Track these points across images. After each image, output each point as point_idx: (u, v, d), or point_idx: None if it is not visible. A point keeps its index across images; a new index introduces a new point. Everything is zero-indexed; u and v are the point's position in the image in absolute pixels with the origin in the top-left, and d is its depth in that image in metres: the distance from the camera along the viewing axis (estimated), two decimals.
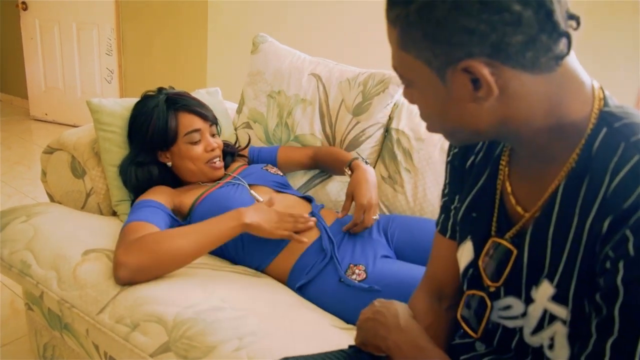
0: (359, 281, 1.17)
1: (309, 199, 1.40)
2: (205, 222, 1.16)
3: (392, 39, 0.64)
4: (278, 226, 1.20)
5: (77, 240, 1.19)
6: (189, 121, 1.35)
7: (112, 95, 3.88)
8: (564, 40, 0.57)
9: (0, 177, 3.01)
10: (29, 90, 4.12)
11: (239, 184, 1.38)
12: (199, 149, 1.36)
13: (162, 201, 1.27)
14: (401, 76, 0.66)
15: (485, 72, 0.56)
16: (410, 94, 0.68)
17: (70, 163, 1.47)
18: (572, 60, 0.60)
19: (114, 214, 1.46)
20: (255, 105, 1.69)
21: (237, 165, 1.51)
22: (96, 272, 1.10)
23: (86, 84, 3.98)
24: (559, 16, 0.56)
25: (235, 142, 1.65)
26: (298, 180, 1.63)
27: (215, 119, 1.42)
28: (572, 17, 0.58)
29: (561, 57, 0.58)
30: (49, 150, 1.52)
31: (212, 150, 1.38)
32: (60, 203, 1.55)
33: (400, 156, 1.51)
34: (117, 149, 1.40)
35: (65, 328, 1.27)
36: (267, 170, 1.47)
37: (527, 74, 0.58)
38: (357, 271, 1.20)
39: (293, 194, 1.42)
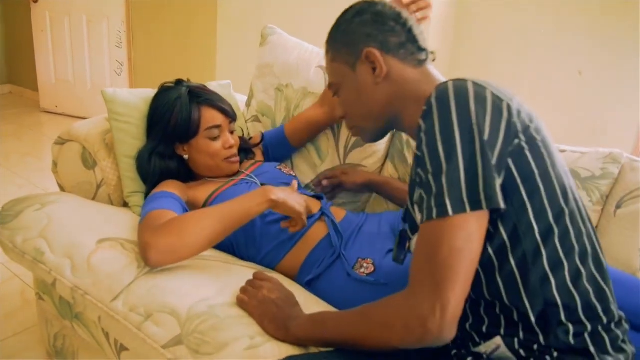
0: (367, 275, 1.18)
1: (319, 197, 1.41)
2: (230, 202, 1.16)
3: (327, 62, 1.05)
4: (302, 204, 1.19)
5: (91, 229, 1.21)
6: (211, 116, 1.36)
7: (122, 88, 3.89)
8: (425, 52, 0.99)
9: (11, 168, 3.04)
10: (39, 83, 4.15)
11: (252, 182, 1.39)
12: (217, 145, 1.37)
13: (178, 194, 1.29)
14: (334, 87, 1.04)
15: (377, 54, 0.95)
16: (340, 100, 1.04)
17: (81, 154, 1.49)
18: (433, 68, 1.00)
19: (125, 205, 1.47)
20: (264, 98, 1.70)
21: (251, 162, 1.52)
22: (111, 260, 1.12)
23: (96, 77, 4.00)
24: (420, 37, 0.99)
25: (248, 136, 1.66)
26: (308, 177, 1.64)
27: (235, 115, 1.43)
28: (427, 50, 1.00)
29: (422, 60, 0.99)
30: (60, 142, 1.54)
31: (231, 147, 1.38)
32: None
33: (410, 158, 1.51)
34: (131, 140, 1.42)
35: (76, 317, 1.29)
36: (280, 169, 1.49)
37: (402, 64, 0.97)
38: (365, 265, 1.21)
39: (304, 194, 1.43)
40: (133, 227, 1.25)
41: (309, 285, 1.24)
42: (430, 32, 2.76)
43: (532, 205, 0.76)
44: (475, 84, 0.77)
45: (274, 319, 0.98)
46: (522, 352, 0.79)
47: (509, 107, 0.77)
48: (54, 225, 1.23)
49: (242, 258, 1.31)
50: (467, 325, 0.86)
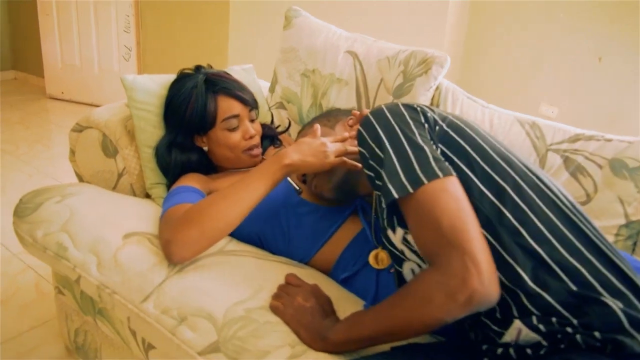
0: None
1: None
2: (243, 178, 1.07)
3: (301, 134, 1.24)
4: (326, 153, 1.09)
5: (115, 223, 1.15)
6: (228, 106, 1.28)
7: (130, 74, 3.81)
8: None
9: (20, 156, 2.97)
10: (45, 69, 4.06)
11: None
12: (236, 136, 1.29)
13: (199, 187, 1.23)
14: None
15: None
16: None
17: (102, 142, 1.42)
18: None
19: (148, 196, 1.41)
20: (289, 84, 1.62)
21: (275, 150, 1.45)
22: (139, 257, 1.05)
23: (104, 62, 3.91)
24: None
25: (272, 122, 1.58)
26: None
27: (256, 102, 1.35)
28: None
29: None
30: (78, 129, 1.47)
31: (251, 137, 1.30)
32: (89, 183, 1.50)
33: None
34: (152, 129, 1.34)
35: (100, 313, 1.24)
36: None
37: None
38: None
39: None
40: (159, 220, 1.19)
41: (345, 283, 1.17)
42: (445, 19, 2.68)
43: (474, 174, 0.84)
44: (386, 105, 0.92)
45: (310, 329, 0.93)
46: (541, 327, 0.76)
47: (420, 107, 0.92)
48: (77, 219, 1.17)
49: (271, 252, 1.24)
50: (481, 317, 0.84)
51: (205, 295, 0.98)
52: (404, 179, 0.82)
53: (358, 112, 1.18)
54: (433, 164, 0.82)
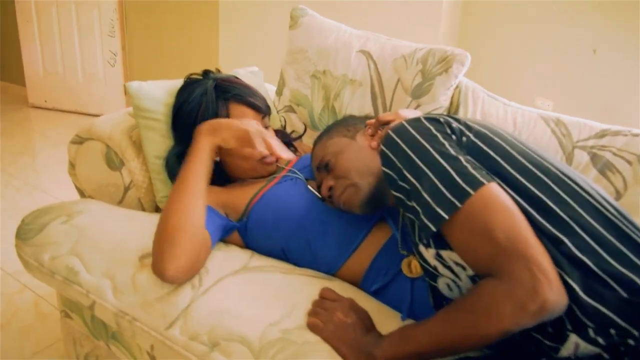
0: None
1: None
2: (182, 170, 1.07)
3: (320, 146, 1.15)
4: (251, 125, 1.10)
5: (129, 243, 1.07)
6: (240, 114, 1.21)
7: (115, 80, 3.70)
8: None
9: (5, 169, 2.85)
10: (26, 77, 3.91)
11: (296, 177, 1.26)
12: None
13: (210, 202, 1.15)
14: (328, 161, 1.10)
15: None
16: (338, 166, 1.09)
17: (105, 154, 1.33)
18: None
19: (157, 210, 1.33)
20: (298, 86, 1.55)
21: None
22: (159, 279, 0.98)
23: (88, 68, 3.79)
24: None
25: (284, 127, 1.51)
26: None
27: (269, 108, 1.28)
28: None
29: None
30: (79, 140, 1.38)
31: None
32: (92, 197, 1.42)
33: None
34: (160, 139, 1.26)
35: (113, 338, 1.15)
36: None
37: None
38: None
39: None
40: None
41: (376, 294, 1.11)
42: (440, 15, 2.63)
43: (508, 185, 0.80)
44: (407, 121, 0.89)
45: (354, 346, 0.88)
46: (600, 340, 0.73)
47: (444, 118, 0.88)
48: (86, 240, 1.09)
49: (297, 264, 1.17)
50: (531, 332, 0.80)
51: (236, 317, 0.91)
52: (448, 195, 0.78)
53: (373, 121, 1.15)
54: (474, 172, 0.79)
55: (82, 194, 1.44)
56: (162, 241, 0.96)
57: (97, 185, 1.37)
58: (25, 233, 1.13)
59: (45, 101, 3.95)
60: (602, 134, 1.28)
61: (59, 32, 3.75)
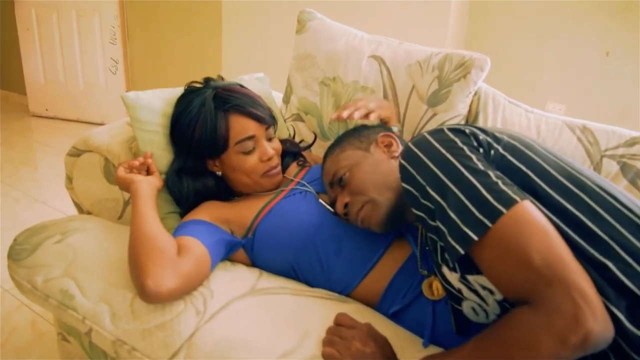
0: None
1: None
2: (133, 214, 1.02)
3: (332, 160, 1.08)
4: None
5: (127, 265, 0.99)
6: (241, 126, 1.12)
7: (117, 88, 3.64)
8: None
9: (5, 179, 2.78)
10: (27, 85, 3.86)
11: (306, 190, 1.18)
12: (252, 160, 1.14)
13: (212, 219, 1.09)
14: (342, 175, 1.04)
15: (391, 134, 1.09)
16: (352, 180, 1.02)
17: (104, 167, 1.26)
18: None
19: None
20: (306, 94, 1.48)
21: (298, 167, 1.29)
22: (160, 305, 0.90)
23: (89, 76, 3.73)
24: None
25: (293, 137, 1.43)
26: None
27: (273, 118, 1.19)
28: None
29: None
30: (76, 153, 1.31)
31: (269, 159, 1.15)
32: (90, 213, 1.34)
33: None
34: (160, 152, 1.18)
35: None
36: None
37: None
38: None
39: None
40: None
41: (395, 317, 1.03)
42: (448, 18, 2.56)
43: (543, 203, 0.73)
44: (430, 133, 0.81)
45: None
46: None
47: (469, 129, 0.80)
48: (82, 261, 1.01)
49: (309, 284, 1.09)
50: None
51: (246, 348, 0.83)
52: (478, 214, 0.70)
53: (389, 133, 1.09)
54: (505, 188, 0.71)
55: (80, 209, 1.37)
56: (131, 267, 0.93)
57: (95, 200, 1.30)
58: (17, 253, 1.06)
59: (47, 110, 3.89)
60: (632, 142, 1.20)
61: (59, 40, 3.70)
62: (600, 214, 0.72)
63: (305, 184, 1.20)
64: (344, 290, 1.07)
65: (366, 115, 1.16)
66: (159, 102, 1.21)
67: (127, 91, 1.29)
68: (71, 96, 3.81)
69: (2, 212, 2.43)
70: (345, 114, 1.13)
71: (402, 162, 0.82)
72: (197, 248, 0.98)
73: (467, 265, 0.76)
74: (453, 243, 0.73)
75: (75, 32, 3.65)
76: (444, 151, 0.77)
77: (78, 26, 3.64)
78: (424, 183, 0.77)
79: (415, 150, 0.80)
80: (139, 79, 3.59)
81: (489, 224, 0.69)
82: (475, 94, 1.30)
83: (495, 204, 0.70)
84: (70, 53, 3.71)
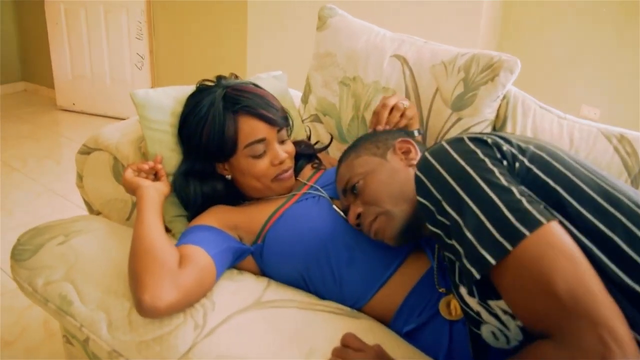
0: None
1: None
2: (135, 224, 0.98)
3: (346, 165, 1.03)
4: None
5: None
6: (250, 128, 1.06)
7: (143, 83, 3.64)
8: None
9: (28, 173, 2.80)
10: (55, 79, 3.90)
11: (319, 195, 1.12)
12: (263, 164, 1.08)
13: (220, 225, 1.04)
14: (355, 183, 0.98)
15: (410, 140, 1.03)
16: (367, 188, 0.96)
17: (113, 166, 1.23)
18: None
19: (167, 230, 1.21)
20: (325, 94, 1.42)
21: (312, 170, 1.24)
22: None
23: (116, 71, 3.74)
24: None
25: (309, 138, 1.37)
26: None
27: (286, 119, 1.13)
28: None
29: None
30: (86, 151, 1.28)
31: (281, 163, 1.10)
32: (99, 213, 1.31)
33: None
34: (169, 153, 1.14)
35: None
36: None
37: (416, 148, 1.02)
38: None
39: None
40: None
41: (409, 337, 0.96)
42: (480, 18, 2.47)
43: (573, 224, 0.66)
44: (448, 142, 0.75)
45: None
46: None
47: (492, 139, 0.73)
48: (83, 265, 0.97)
49: (319, 295, 1.03)
50: None
51: None
52: (497, 236, 0.64)
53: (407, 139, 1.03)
54: (529, 207, 0.64)
55: (91, 208, 1.34)
56: (130, 278, 0.89)
57: (104, 200, 1.26)
58: (20, 254, 1.03)
59: (74, 104, 3.92)
60: None
61: (87, 35, 3.72)
62: (638, 237, 0.65)
63: (319, 188, 1.14)
64: (356, 304, 1.01)
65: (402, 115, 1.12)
66: (169, 100, 1.17)
67: (152, 87, 1.24)
68: (98, 91, 3.83)
69: (22, 205, 2.44)
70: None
71: (418, 173, 0.76)
72: (201, 258, 0.93)
73: (486, 289, 0.69)
74: (469, 266, 0.66)
75: (103, 28, 3.67)
76: (463, 163, 0.71)
77: (106, 22, 3.65)
78: (440, 197, 0.71)
79: (433, 161, 0.74)
80: (164, 75, 3.59)
81: (509, 247, 0.62)
82: (503, 97, 1.21)
83: (518, 224, 0.63)
84: (98, 48, 3.73)
